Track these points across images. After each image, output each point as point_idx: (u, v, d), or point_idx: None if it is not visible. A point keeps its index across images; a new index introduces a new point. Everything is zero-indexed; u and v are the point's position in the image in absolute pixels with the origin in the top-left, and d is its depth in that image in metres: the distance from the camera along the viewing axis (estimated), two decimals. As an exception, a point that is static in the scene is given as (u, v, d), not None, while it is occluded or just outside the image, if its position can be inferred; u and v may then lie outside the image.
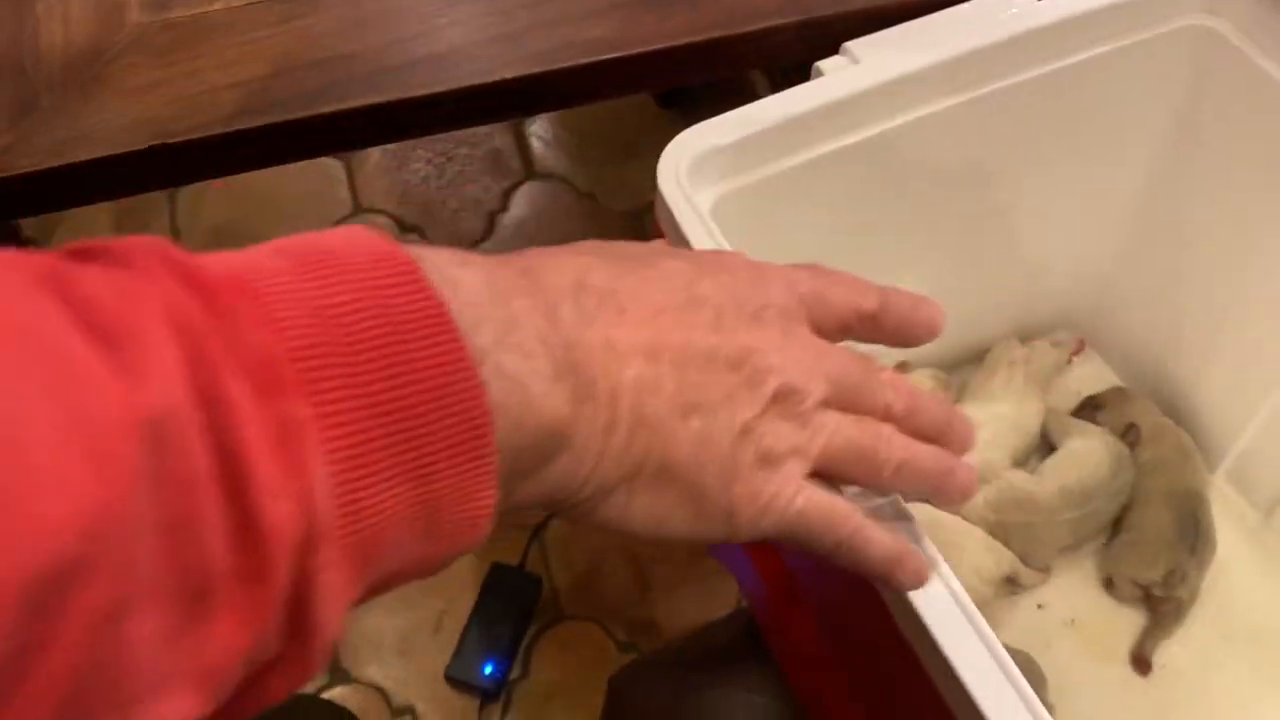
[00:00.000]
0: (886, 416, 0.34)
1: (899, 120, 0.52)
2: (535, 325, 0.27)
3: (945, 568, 0.35)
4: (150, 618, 0.19)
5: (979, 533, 0.61)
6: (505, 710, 1.06)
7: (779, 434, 0.31)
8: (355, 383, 0.22)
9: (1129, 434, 0.66)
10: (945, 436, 0.35)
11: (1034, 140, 0.59)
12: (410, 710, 1.06)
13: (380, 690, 1.07)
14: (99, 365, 0.19)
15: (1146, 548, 0.63)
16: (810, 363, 0.32)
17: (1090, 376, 0.75)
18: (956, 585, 0.35)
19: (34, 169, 0.47)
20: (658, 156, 0.45)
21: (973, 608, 0.35)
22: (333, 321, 0.23)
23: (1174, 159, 0.62)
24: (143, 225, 1.39)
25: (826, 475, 0.33)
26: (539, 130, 1.49)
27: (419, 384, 0.23)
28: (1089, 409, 0.70)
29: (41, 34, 0.51)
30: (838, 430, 0.32)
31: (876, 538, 0.33)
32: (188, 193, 1.41)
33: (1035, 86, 0.54)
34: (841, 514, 0.33)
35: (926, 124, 0.53)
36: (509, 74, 0.50)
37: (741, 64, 0.53)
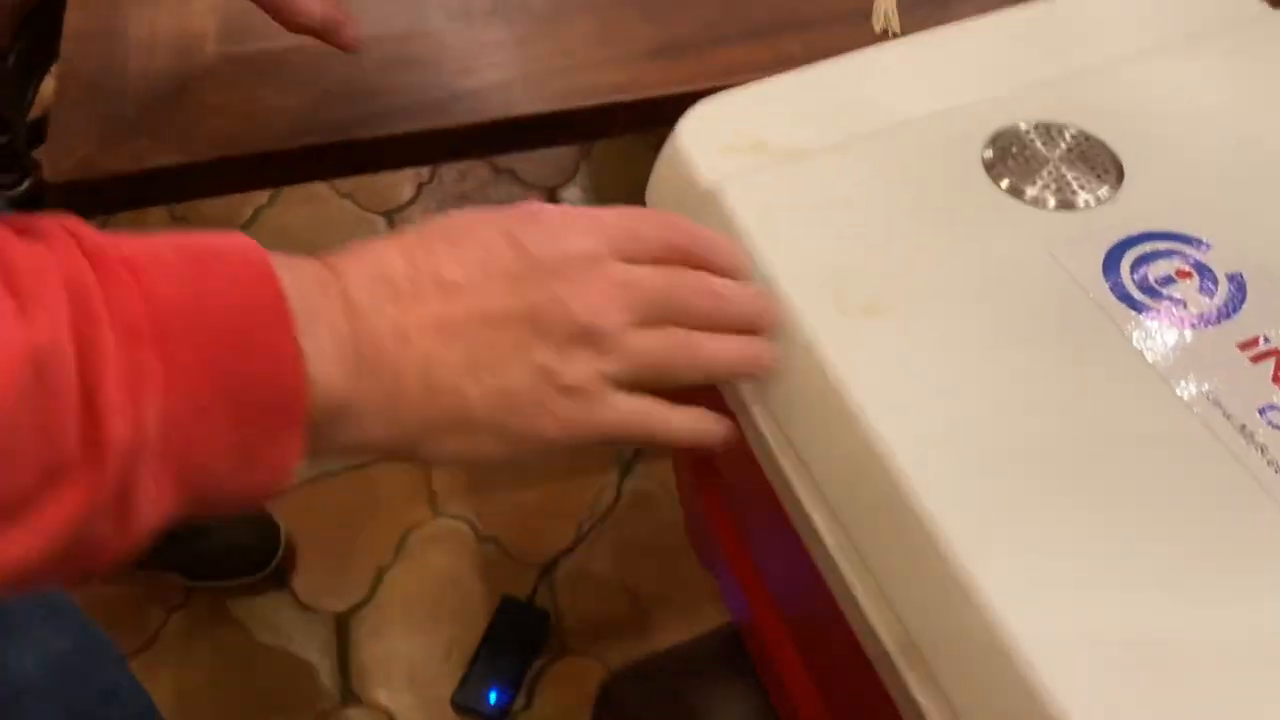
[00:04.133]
0: (697, 322, 0.39)
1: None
2: (328, 318, 0.33)
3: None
4: (20, 476, 0.27)
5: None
6: (507, 738, 1.10)
7: (578, 368, 0.37)
8: (202, 350, 0.30)
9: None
10: (756, 326, 0.42)
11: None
12: (416, 734, 1.10)
13: (389, 714, 1.11)
14: (7, 308, 0.27)
15: None
16: (609, 299, 0.37)
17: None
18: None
19: (118, 171, 0.54)
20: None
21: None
22: (198, 302, 0.30)
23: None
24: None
25: (639, 384, 0.38)
26: (568, 195, 1.57)
27: (255, 361, 0.31)
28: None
29: (131, 60, 0.59)
30: (642, 350, 0.38)
31: (675, 423, 0.40)
32: (240, 239, 1.51)
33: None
34: (641, 416, 0.39)
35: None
36: (530, 110, 0.58)
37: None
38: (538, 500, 1.27)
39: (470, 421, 0.36)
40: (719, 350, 0.40)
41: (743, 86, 0.53)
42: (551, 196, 1.57)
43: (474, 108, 0.58)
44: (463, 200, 1.57)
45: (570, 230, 0.38)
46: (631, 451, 1.30)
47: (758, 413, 0.46)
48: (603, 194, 1.57)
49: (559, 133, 0.59)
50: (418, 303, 0.35)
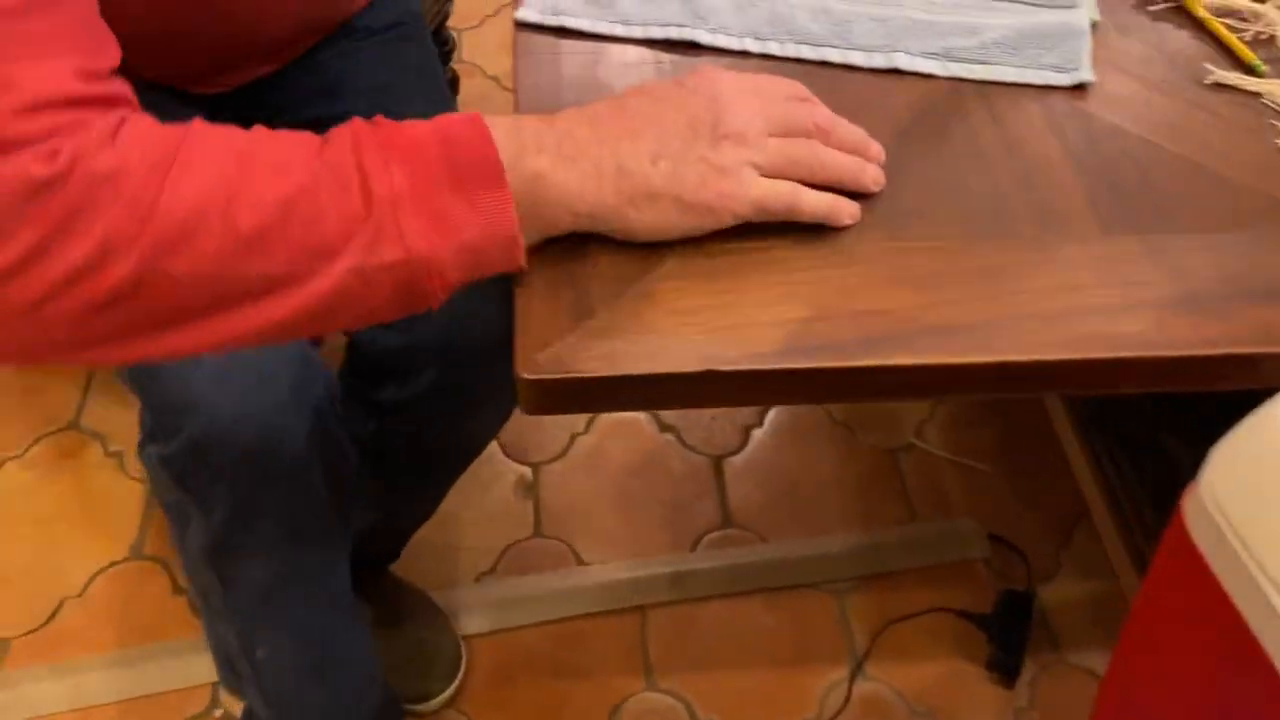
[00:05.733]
0: (816, 134, 0.56)
1: None
2: (533, 130, 0.52)
3: None
4: (328, 227, 0.47)
5: None
6: None
7: (727, 155, 0.53)
8: (429, 150, 0.49)
9: None
10: (860, 150, 0.58)
11: None
12: None
13: None
14: (313, 147, 0.49)
15: None
16: (752, 114, 0.54)
17: None
18: None
19: (592, 374, 0.49)
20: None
21: None
22: (432, 135, 0.50)
23: None
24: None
25: (777, 175, 0.54)
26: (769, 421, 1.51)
27: (462, 151, 0.49)
28: None
29: (591, 245, 0.54)
30: (776, 147, 0.54)
31: (811, 200, 0.55)
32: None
33: None
34: (784, 190, 0.54)
35: None
36: (1040, 356, 0.51)
37: (1266, 379, 0.52)
38: (760, 687, 1.17)
39: (652, 193, 0.52)
40: (836, 156, 0.56)
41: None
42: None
43: (973, 343, 0.51)
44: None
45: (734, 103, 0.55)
46: (864, 649, 1.20)
47: None
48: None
49: (1063, 381, 0.52)
50: (613, 123, 0.53)
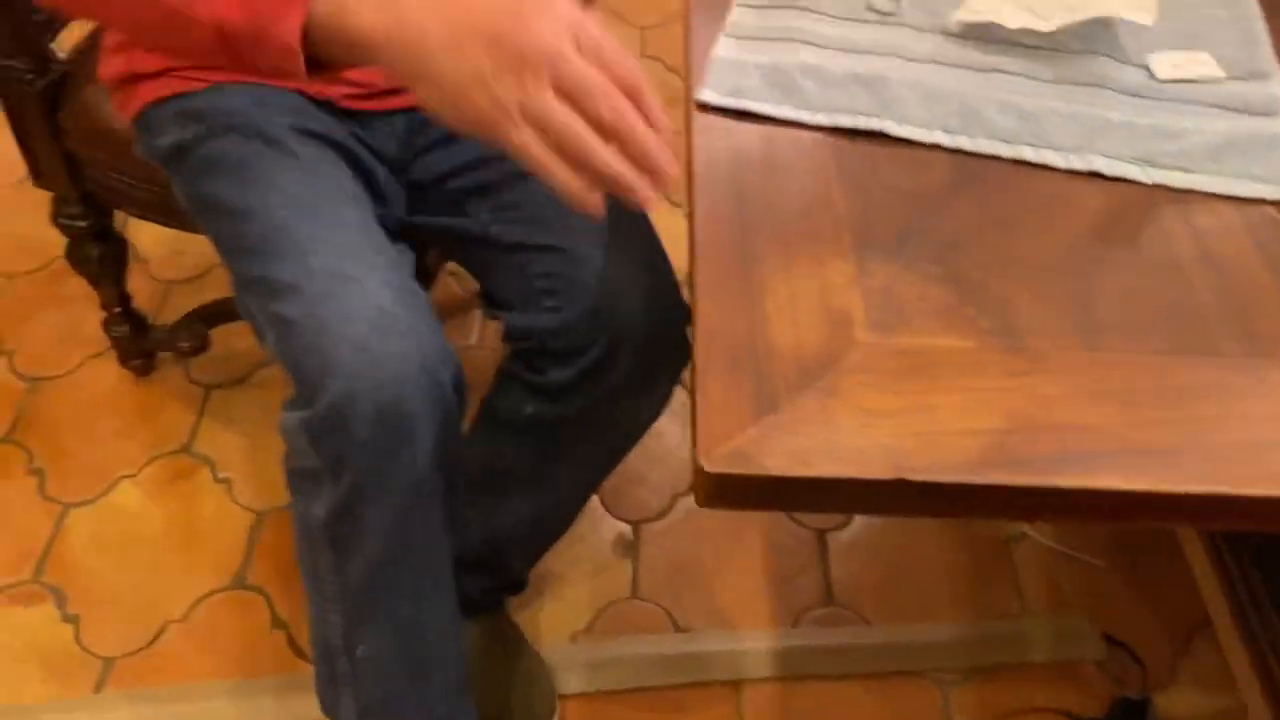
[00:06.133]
0: (597, 124, 0.54)
1: None
2: None
3: None
4: None
5: None
6: None
7: (505, 86, 0.54)
8: None
9: None
10: (643, 161, 0.55)
11: None
12: None
13: None
14: None
15: None
16: (547, 49, 0.54)
17: None
18: None
19: (778, 474, 0.47)
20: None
21: None
22: None
23: None
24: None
25: (536, 128, 0.54)
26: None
27: None
28: None
29: (772, 331, 0.53)
30: (551, 106, 0.54)
31: (561, 172, 0.55)
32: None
33: None
34: (540, 149, 0.55)
35: None
36: (1253, 491, 0.48)
37: None
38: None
39: (428, 76, 0.56)
40: (608, 155, 0.55)
41: None
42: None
43: (1181, 470, 0.48)
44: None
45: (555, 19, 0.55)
46: (966, 740, 1.15)
47: None
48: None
49: (1270, 519, 0.49)
50: (448, 8, 0.56)
